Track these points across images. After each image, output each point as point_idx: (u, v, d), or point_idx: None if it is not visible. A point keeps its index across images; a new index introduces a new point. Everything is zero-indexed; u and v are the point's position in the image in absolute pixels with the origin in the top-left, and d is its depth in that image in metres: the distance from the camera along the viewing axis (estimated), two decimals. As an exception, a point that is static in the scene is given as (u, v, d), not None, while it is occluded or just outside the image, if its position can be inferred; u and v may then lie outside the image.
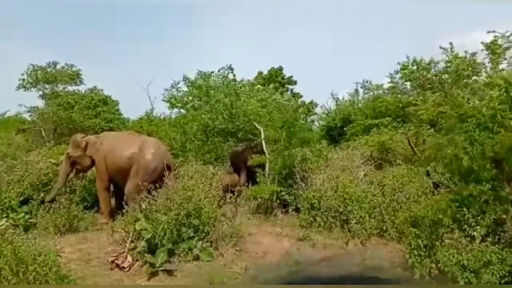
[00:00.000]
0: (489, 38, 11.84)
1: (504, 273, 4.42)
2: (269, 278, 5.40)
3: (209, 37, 43.48)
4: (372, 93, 16.94)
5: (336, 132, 15.77)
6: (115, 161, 8.37)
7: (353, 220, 7.38)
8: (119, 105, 20.34)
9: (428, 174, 8.28)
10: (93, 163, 8.74)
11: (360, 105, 17.58)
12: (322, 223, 7.80)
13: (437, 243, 5.21)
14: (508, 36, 11.59)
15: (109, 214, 8.40)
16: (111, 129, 15.27)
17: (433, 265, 4.94)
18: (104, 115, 17.69)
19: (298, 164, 9.34)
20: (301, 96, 21.44)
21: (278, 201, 9.00)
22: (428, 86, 13.23)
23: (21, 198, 8.31)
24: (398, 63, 14.00)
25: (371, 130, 12.32)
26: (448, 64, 12.82)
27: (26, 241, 5.25)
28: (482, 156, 5.33)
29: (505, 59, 11.84)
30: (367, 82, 17.28)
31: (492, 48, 11.83)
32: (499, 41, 11.72)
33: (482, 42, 11.98)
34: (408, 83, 14.43)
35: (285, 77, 23.47)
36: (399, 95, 14.50)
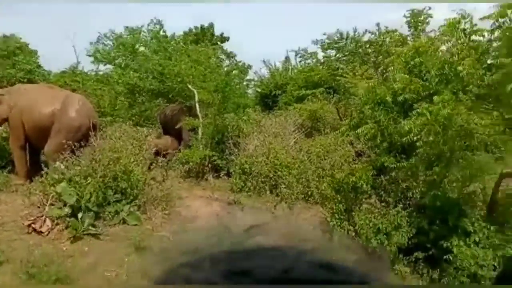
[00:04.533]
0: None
1: (411, 234, 4.96)
2: (198, 241, 5.45)
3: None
4: (307, 61, 17.14)
5: (270, 99, 15.96)
6: (33, 118, 7.63)
7: (282, 185, 7.67)
8: (39, 55, 18.51)
9: (351, 143, 8.81)
10: (3, 118, 7.89)
11: (293, 73, 17.84)
12: (252, 188, 8.01)
13: (356, 208, 5.65)
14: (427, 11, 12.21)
15: (25, 175, 7.74)
16: (30, 81, 13.86)
17: (351, 228, 5.36)
18: (22, 65, 15.98)
19: (231, 130, 9.36)
20: (234, 55, 20.51)
21: (209, 165, 9.01)
22: (356, 58, 13.89)
23: None
24: (324, 34, 14.48)
25: (305, 99, 12.65)
26: (373, 37, 13.41)
27: None
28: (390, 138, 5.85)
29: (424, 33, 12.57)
30: (302, 50, 17.30)
31: (413, 22, 12.44)
32: (421, 17, 12.38)
33: (404, 16, 12.54)
34: (340, 54, 14.95)
35: (215, 35, 22.09)
36: (331, 66, 14.97)
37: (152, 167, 7.53)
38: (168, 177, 7.65)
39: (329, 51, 15.31)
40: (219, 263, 0.42)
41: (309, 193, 7.47)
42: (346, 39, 14.55)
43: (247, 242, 0.48)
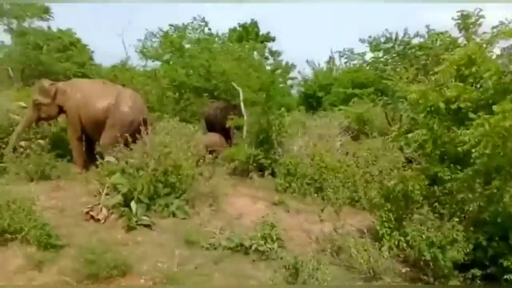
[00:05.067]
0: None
1: (468, 250, 4.76)
2: (245, 239, 5.53)
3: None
4: (353, 62, 16.82)
5: (314, 100, 15.85)
6: (89, 112, 8.01)
7: (327, 188, 7.61)
8: (92, 50, 19.39)
9: (401, 149, 8.57)
10: (60, 111, 8.34)
11: (337, 73, 17.59)
12: (296, 189, 8.00)
13: (407, 217, 5.48)
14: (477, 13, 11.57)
15: (82, 164, 8.17)
16: (83, 75, 14.58)
17: (402, 238, 5.22)
18: (76, 59, 16.84)
19: (276, 129, 9.38)
20: (279, 54, 20.42)
21: (254, 164, 9.09)
22: (405, 61, 13.41)
23: (-12, 141, 7.89)
24: (370, 37, 14.11)
25: (351, 101, 12.45)
26: (422, 40, 12.88)
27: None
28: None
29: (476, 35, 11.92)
30: (348, 51, 17.06)
31: (464, 24, 11.82)
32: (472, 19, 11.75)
33: (452, 18, 11.95)
34: (388, 56, 14.50)
35: (260, 34, 22.13)
36: (379, 68, 14.53)
37: (199, 163, 7.71)
38: (214, 173, 7.79)
39: (376, 52, 14.93)
40: None
41: (356, 198, 7.36)
42: (395, 41, 14.12)
43: None
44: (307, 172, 8.09)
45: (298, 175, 8.19)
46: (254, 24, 21.61)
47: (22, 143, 7.89)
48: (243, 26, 21.15)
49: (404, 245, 5.14)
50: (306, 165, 8.21)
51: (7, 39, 16.53)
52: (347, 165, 8.06)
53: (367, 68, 15.06)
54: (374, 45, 14.41)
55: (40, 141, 7.94)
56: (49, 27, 17.93)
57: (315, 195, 7.82)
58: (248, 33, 20.79)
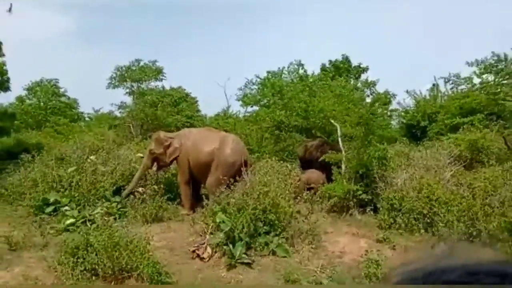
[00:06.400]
0: None
1: None
2: (347, 278, 5.26)
3: (277, 38, 43.98)
4: (460, 87, 15.53)
5: (418, 130, 14.81)
6: (197, 156, 8.73)
7: (439, 223, 6.88)
8: (198, 102, 21.37)
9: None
10: (172, 159, 9.19)
11: (442, 101, 16.29)
12: (403, 225, 7.39)
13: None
14: None
15: (190, 206, 8.82)
16: (191, 125, 16.07)
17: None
18: (185, 112, 18.76)
19: (376, 163, 8.95)
20: (375, 84, 19.64)
21: (354, 200, 8.71)
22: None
23: (114, 188, 9.06)
24: (476, 60, 13.10)
25: (460, 129, 11.33)
26: None
27: (119, 228, 5.75)
28: None
29: None
30: (453, 76, 15.83)
31: None
32: None
33: None
34: (499, 78, 13.28)
35: (352, 66, 21.66)
36: (490, 91, 13.20)
37: (297, 200, 7.69)
38: (313, 211, 7.67)
39: (486, 75, 13.75)
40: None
41: (474, 233, 6.49)
42: (506, 61, 12.91)
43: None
44: (414, 206, 7.44)
45: (404, 210, 7.57)
46: (345, 58, 21.46)
47: (140, 189, 8.89)
48: (334, 63, 21.21)
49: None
50: (413, 199, 7.58)
51: (128, 99, 19.25)
52: (461, 197, 7.21)
53: (476, 92, 13.83)
54: (484, 67, 13.35)
55: (155, 186, 8.84)
56: (163, 86, 20.50)
57: (425, 231, 7.10)
58: (339, 69, 20.71)
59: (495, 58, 13.17)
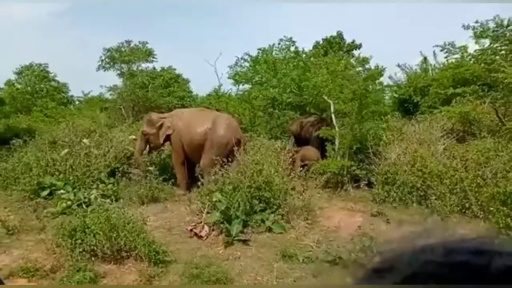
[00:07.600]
0: None
1: None
2: (343, 252, 5.35)
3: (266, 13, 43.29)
4: (454, 56, 14.93)
5: (410, 104, 14.79)
6: (190, 137, 8.72)
7: (432, 196, 6.99)
8: (190, 83, 21.09)
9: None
10: (165, 140, 9.16)
11: (434, 73, 16.13)
12: (397, 199, 7.51)
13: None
14: None
15: (185, 187, 8.86)
16: (183, 106, 15.93)
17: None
18: (177, 93, 18.54)
19: (370, 138, 9.00)
20: (368, 61, 19.46)
21: (348, 175, 8.80)
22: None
23: (108, 170, 9.04)
24: (477, 22, 12.44)
25: (453, 101, 11.29)
26: None
27: (116, 209, 5.77)
28: None
29: None
30: (448, 44, 15.12)
31: None
32: None
33: None
34: (497, 44, 12.61)
35: (345, 43, 21.34)
36: (486, 60, 12.66)
37: (291, 177, 7.74)
38: (308, 187, 7.74)
39: (482, 40, 13.00)
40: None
41: (466, 205, 6.61)
42: (507, 27, 12.24)
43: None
44: (408, 180, 7.54)
45: (398, 183, 7.68)
46: (339, 35, 21.11)
47: (135, 170, 8.88)
48: (327, 39, 20.89)
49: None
50: (406, 173, 7.67)
51: (119, 82, 18.96)
52: (454, 170, 7.31)
53: (471, 62, 13.46)
54: (480, 32, 12.64)
55: (150, 168, 8.83)
56: (154, 67, 20.17)
57: (418, 204, 7.22)
58: (332, 46, 20.42)
59: (498, 22, 12.37)
